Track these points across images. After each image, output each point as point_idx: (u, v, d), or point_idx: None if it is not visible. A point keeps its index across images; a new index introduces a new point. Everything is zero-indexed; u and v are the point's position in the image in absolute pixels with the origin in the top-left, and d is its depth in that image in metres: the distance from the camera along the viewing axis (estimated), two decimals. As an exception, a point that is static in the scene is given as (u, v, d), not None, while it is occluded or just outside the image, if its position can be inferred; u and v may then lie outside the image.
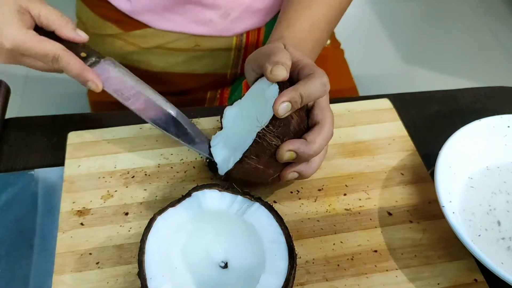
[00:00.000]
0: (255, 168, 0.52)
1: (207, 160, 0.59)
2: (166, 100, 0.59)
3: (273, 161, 0.52)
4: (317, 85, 0.51)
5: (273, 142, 0.50)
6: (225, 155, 0.57)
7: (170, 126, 0.58)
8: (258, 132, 0.50)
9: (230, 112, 0.60)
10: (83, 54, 0.58)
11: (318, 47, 0.65)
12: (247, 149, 0.50)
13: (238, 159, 0.51)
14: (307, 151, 0.50)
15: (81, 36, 0.58)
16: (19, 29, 0.55)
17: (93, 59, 0.58)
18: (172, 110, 0.58)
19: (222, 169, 0.56)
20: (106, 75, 0.58)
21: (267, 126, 0.50)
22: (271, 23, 0.82)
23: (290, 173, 0.53)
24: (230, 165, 0.53)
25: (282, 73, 0.50)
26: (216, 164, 0.57)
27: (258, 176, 0.53)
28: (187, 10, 0.75)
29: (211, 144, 0.59)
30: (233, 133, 0.59)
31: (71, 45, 0.58)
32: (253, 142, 0.50)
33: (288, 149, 0.50)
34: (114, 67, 0.59)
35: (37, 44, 0.55)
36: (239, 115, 0.59)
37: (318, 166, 0.55)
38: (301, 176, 0.54)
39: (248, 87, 0.60)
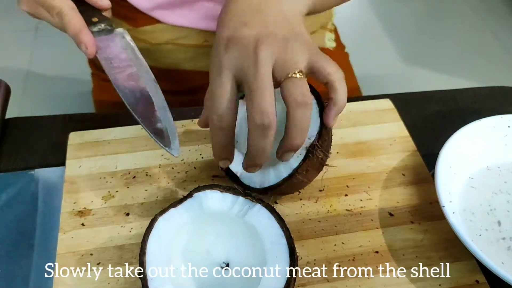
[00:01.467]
0: (302, 182, 0.53)
1: (223, 169, 0.56)
2: (154, 81, 0.56)
3: (316, 172, 0.53)
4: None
5: (320, 156, 0.51)
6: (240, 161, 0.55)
7: (139, 104, 0.54)
8: (309, 147, 0.50)
9: None
10: (94, 19, 0.57)
11: None
12: (299, 165, 0.51)
13: (287, 175, 0.51)
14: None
15: (101, 1, 0.57)
16: None
17: (102, 26, 0.57)
18: (151, 90, 0.55)
19: (249, 179, 0.55)
20: (106, 43, 0.56)
21: (317, 141, 0.50)
22: None
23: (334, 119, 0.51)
24: (272, 179, 0.53)
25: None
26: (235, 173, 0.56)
27: (300, 187, 0.55)
28: (199, 5, 0.75)
29: None
30: (243, 137, 0.57)
31: (88, 9, 0.57)
32: (304, 157, 0.50)
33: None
34: (121, 38, 0.57)
35: None
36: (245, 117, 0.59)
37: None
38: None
39: None
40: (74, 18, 0.54)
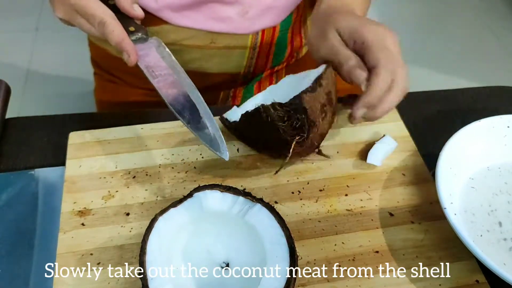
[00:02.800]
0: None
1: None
2: (194, 88, 0.57)
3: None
4: (381, 87, 0.56)
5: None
6: None
7: (185, 111, 0.55)
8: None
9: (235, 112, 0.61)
10: (131, 29, 0.59)
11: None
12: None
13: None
14: (369, 99, 0.55)
15: (136, 12, 0.59)
16: None
17: (140, 34, 0.59)
18: (193, 95, 0.57)
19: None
20: (145, 51, 0.58)
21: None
22: (285, 22, 0.82)
23: (358, 112, 0.57)
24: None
25: (361, 114, 0.57)
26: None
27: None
28: (206, 7, 0.75)
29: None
30: None
31: (124, 18, 0.58)
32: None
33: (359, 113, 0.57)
34: (158, 47, 0.59)
35: (91, 4, 0.55)
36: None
37: (390, 105, 0.57)
38: (370, 118, 0.58)
39: (259, 90, 0.61)
40: (116, 27, 0.55)
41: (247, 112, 0.54)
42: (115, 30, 0.55)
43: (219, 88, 0.86)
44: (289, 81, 0.63)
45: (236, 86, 0.87)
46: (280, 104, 0.52)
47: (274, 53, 0.84)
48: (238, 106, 0.64)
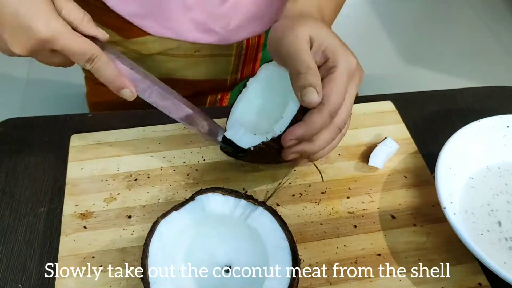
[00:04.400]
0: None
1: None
2: (171, 90, 0.57)
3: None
4: (339, 92, 0.50)
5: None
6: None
7: (181, 114, 0.56)
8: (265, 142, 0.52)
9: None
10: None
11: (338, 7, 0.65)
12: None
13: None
14: (307, 134, 0.50)
15: (102, 34, 0.54)
16: (57, 18, 0.49)
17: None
18: (178, 99, 0.57)
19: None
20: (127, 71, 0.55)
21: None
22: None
23: (291, 154, 0.52)
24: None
25: (314, 99, 0.48)
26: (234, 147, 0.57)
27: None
28: (188, 19, 0.75)
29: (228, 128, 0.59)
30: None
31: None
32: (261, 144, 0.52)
33: (290, 150, 0.51)
34: (118, 58, 0.54)
35: (75, 39, 0.50)
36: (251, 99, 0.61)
37: (327, 142, 0.52)
38: (308, 157, 0.54)
39: None
40: (109, 62, 0.52)
41: (249, 149, 0.53)
42: (109, 64, 0.52)
43: (206, 94, 0.86)
44: (270, 72, 0.60)
45: (223, 90, 0.87)
46: (278, 136, 0.51)
47: (261, 59, 0.84)
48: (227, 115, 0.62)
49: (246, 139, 0.55)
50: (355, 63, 0.52)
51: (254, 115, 0.61)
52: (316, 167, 0.60)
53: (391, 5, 2.27)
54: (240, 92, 0.61)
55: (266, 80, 0.60)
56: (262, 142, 0.52)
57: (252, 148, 0.52)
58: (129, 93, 0.54)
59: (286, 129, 0.50)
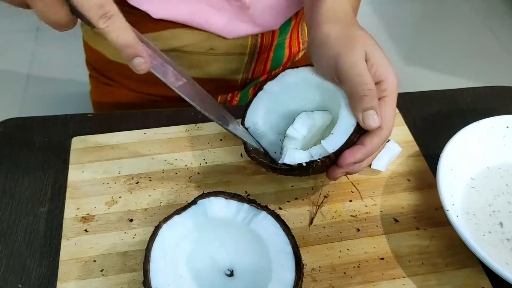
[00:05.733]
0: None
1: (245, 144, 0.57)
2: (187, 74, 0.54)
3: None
4: (394, 117, 0.53)
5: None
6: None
7: (196, 98, 0.53)
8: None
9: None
10: None
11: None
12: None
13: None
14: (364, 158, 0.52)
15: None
16: None
17: None
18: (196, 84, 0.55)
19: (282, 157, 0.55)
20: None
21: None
22: (285, 26, 0.81)
23: (340, 174, 0.53)
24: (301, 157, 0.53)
25: (376, 123, 0.51)
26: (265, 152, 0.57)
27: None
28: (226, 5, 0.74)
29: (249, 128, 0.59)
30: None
31: None
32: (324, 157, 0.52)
33: (342, 170, 0.52)
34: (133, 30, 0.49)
35: None
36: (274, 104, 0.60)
37: (370, 162, 0.56)
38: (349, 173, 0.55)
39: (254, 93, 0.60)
40: (127, 25, 0.45)
41: (290, 166, 0.52)
42: (127, 27, 0.45)
43: (217, 93, 0.86)
44: (295, 80, 0.60)
45: (234, 90, 0.87)
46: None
47: (272, 59, 0.84)
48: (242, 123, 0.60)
49: (297, 155, 0.54)
50: (398, 83, 0.54)
51: (279, 118, 0.60)
52: (352, 184, 0.60)
53: (391, 5, 2.26)
54: (255, 95, 0.60)
55: (290, 87, 0.59)
56: (318, 159, 0.51)
57: (304, 164, 0.52)
58: (142, 63, 0.46)
59: (340, 148, 0.51)
